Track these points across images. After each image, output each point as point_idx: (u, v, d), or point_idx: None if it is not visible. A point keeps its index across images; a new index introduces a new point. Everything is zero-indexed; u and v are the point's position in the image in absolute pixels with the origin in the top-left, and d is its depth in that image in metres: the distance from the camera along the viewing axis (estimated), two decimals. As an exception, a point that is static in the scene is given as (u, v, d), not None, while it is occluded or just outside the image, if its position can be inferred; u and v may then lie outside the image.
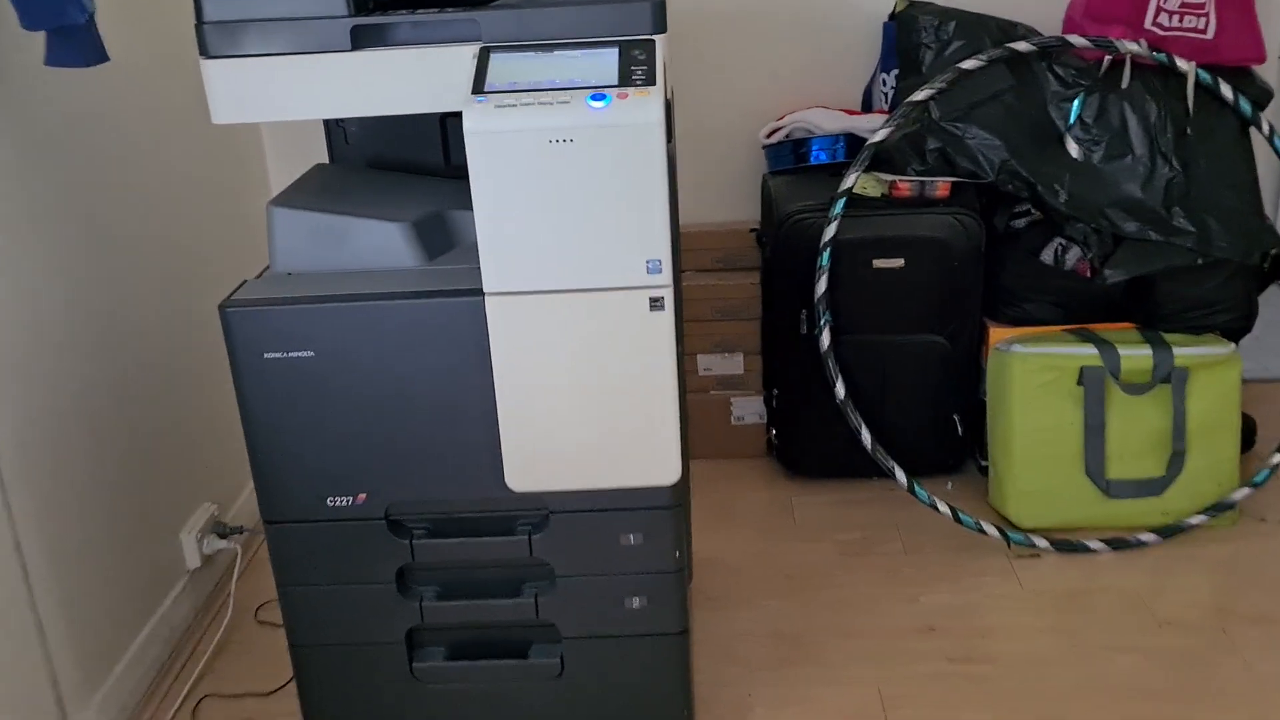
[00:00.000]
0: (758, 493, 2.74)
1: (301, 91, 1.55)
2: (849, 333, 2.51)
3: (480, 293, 1.56)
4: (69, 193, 1.98)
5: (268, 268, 1.74)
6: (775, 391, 2.72)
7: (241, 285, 1.66)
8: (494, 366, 1.59)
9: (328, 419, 1.63)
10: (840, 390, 2.46)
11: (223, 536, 2.38)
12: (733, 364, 2.76)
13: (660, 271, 1.53)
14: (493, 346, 1.58)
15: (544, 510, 1.70)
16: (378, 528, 1.70)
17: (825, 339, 2.45)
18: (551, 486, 1.67)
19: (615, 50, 1.52)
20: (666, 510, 1.69)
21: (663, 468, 1.65)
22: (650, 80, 1.48)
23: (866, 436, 2.45)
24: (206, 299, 1.78)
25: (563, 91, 1.48)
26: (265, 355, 1.59)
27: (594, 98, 1.46)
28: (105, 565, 2.04)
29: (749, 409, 2.81)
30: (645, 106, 1.45)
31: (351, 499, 1.68)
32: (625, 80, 1.48)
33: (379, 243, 1.70)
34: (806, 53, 2.79)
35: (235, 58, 1.53)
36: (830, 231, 2.42)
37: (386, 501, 1.69)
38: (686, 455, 1.74)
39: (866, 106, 2.79)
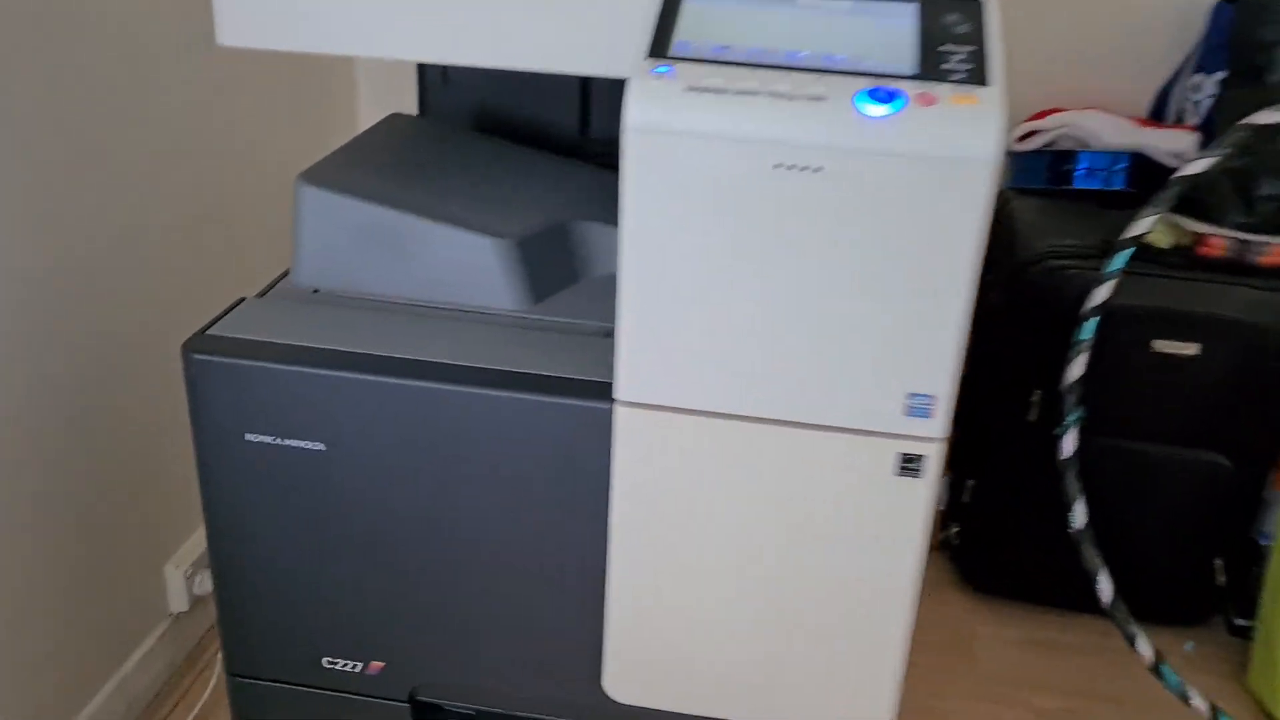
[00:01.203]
0: (927, 608, 2.07)
1: (362, 18, 0.91)
2: (1099, 433, 1.80)
3: (609, 398, 0.91)
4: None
5: (286, 275, 1.12)
6: (970, 482, 2.03)
7: (234, 307, 1.04)
8: (612, 514, 0.95)
9: (337, 547, 1.01)
10: (1080, 516, 1.76)
11: (223, 573, 1.80)
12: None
13: (928, 415, 0.86)
14: (615, 484, 0.94)
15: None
16: (395, 713, 1.08)
17: (1070, 443, 1.75)
18: (677, 707, 1.03)
19: (914, 8, 0.85)
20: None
21: (867, 711, 1.00)
22: (980, 72, 0.80)
23: (1106, 587, 1.76)
24: (226, 280, 1.17)
25: (811, 75, 0.81)
26: (247, 436, 0.97)
27: (872, 96, 0.79)
28: (58, 602, 1.47)
29: (926, 491, 2.13)
30: (974, 125, 0.77)
31: (361, 666, 1.07)
32: (931, 68, 0.80)
33: (461, 265, 1.06)
34: (1091, 33, 2.04)
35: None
36: (1103, 294, 1.71)
37: (412, 678, 1.07)
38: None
39: (1157, 116, 2.04)
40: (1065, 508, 1.77)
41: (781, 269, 0.82)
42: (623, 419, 0.91)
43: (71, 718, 1.55)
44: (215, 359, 0.95)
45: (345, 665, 1.06)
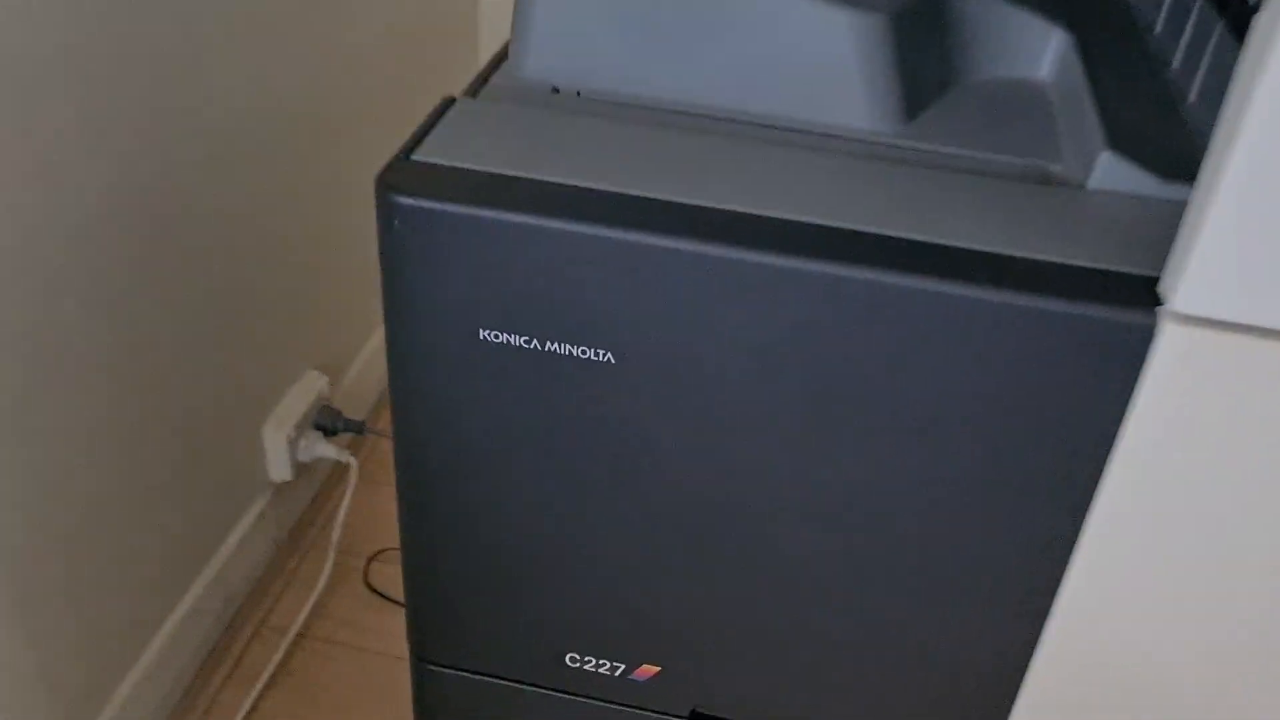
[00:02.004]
0: None
1: None
2: None
3: (1143, 304, 0.51)
4: None
5: (499, 62, 0.71)
6: None
7: (443, 113, 0.63)
8: (1102, 490, 0.57)
9: (607, 505, 0.64)
10: None
11: (330, 434, 1.46)
12: None
13: None
14: (1127, 445, 0.55)
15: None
16: (664, 732, 0.73)
17: None
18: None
19: None
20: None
21: None
22: None
23: None
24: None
25: None
26: (482, 334, 0.58)
27: None
28: (137, 479, 1.13)
29: None
30: None
31: (622, 668, 0.71)
32: None
33: (797, 56, 0.65)
34: None
35: None
36: None
37: (698, 691, 0.71)
38: None
39: None
40: None
41: None
42: (1175, 342, 0.51)
43: (165, 615, 1.23)
44: (438, 208, 0.55)
45: (598, 666, 0.71)
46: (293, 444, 1.40)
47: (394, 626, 1.36)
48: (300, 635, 1.34)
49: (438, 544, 0.70)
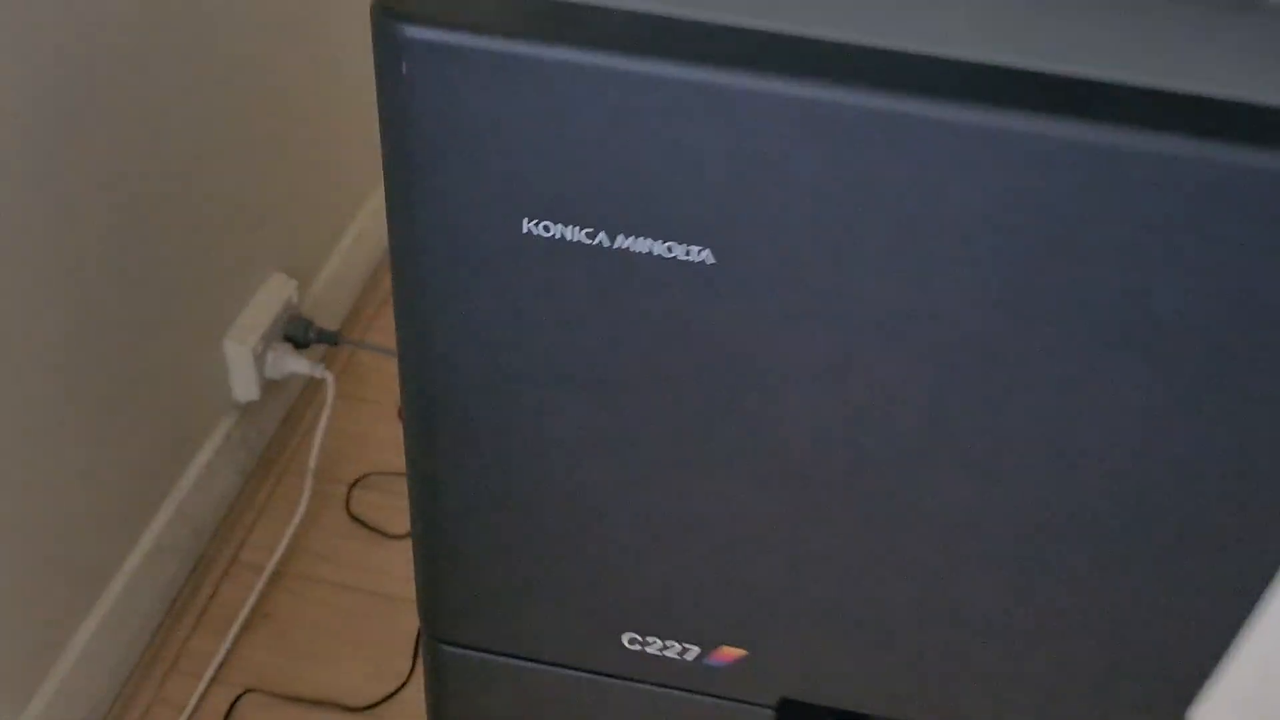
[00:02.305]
0: None
1: None
2: None
3: None
4: None
5: None
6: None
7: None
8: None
9: (701, 438, 0.48)
10: None
11: (301, 346, 1.29)
12: None
13: None
14: None
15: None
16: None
17: None
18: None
19: None
20: None
21: None
22: None
23: None
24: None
25: None
26: (526, 227, 0.42)
27: None
28: (87, 397, 0.96)
29: None
30: None
31: (696, 651, 0.56)
32: None
33: None
34: None
35: None
36: None
37: (791, 677, 0.57)
38: None
39: None
40: None
41: None
42: None
43: (124, 556, 1.08)
44: (465, 43, 0.38)
45: (665, 648, 0.56)
46: (259, 358, 1.23)
47: (381, 560, 1.22)
48: (277, 573, 1.19)
49: (460, 494, 0.54)
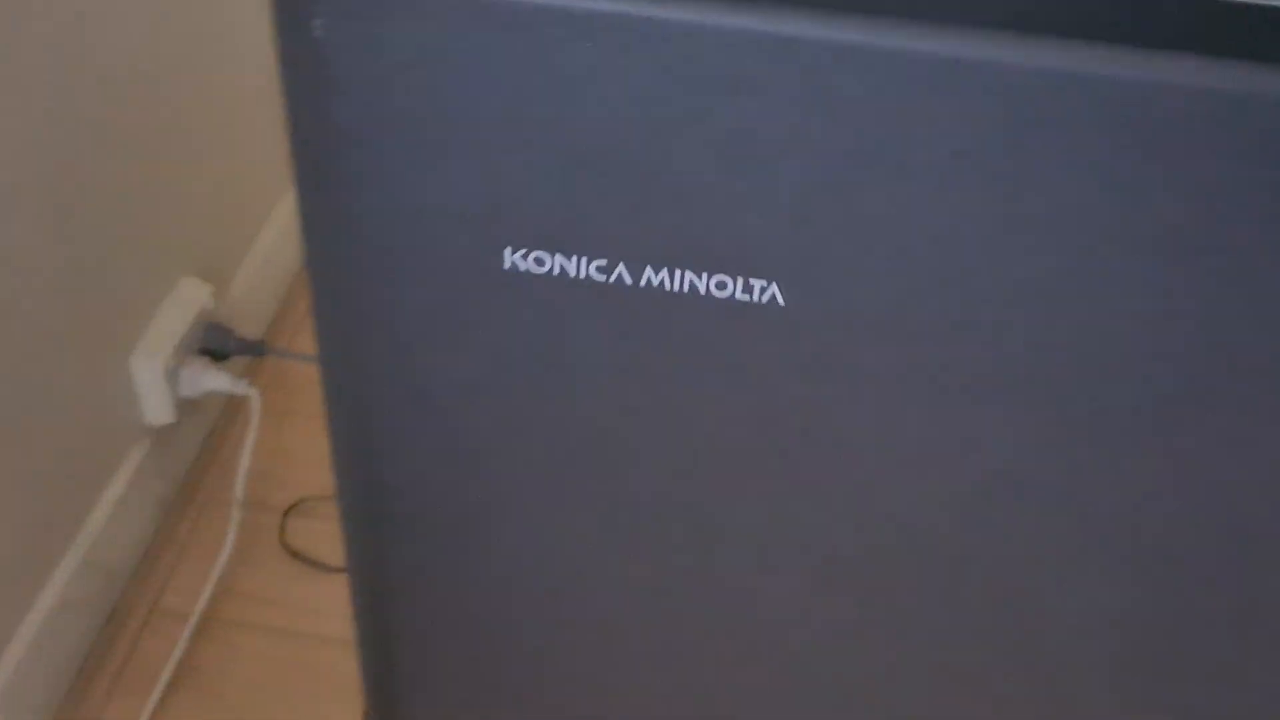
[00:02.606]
0: None
1: None
2: None
3: None
4: None
5: None
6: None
7: None
8: None
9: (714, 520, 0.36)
10: None
11: (220, 359, 1.14)
12: None
13: None
14: None
15: None
16: None
17: None
18: None
19: None
20: None
21: None
22: None
23: None
24: None
25: None
26: (508, 260, 0.29)
27: None
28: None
29: None
30: None
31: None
32: None
33: None
34: None
35: None
36: None
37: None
38: None
39: None
40: None
41: None
42: None
43: (24, 613, 0.94)
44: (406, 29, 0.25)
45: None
46: (172, 375, 1.09)
47: (321, 598, 1.09)
48: (204, 620, 1.06)
49: (409, 583, 0.42)
